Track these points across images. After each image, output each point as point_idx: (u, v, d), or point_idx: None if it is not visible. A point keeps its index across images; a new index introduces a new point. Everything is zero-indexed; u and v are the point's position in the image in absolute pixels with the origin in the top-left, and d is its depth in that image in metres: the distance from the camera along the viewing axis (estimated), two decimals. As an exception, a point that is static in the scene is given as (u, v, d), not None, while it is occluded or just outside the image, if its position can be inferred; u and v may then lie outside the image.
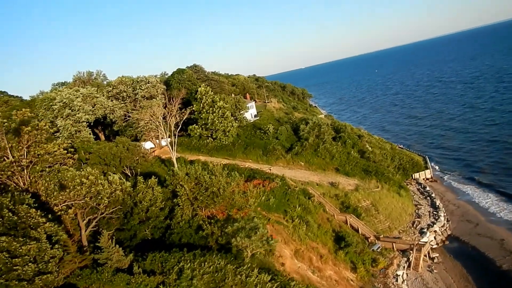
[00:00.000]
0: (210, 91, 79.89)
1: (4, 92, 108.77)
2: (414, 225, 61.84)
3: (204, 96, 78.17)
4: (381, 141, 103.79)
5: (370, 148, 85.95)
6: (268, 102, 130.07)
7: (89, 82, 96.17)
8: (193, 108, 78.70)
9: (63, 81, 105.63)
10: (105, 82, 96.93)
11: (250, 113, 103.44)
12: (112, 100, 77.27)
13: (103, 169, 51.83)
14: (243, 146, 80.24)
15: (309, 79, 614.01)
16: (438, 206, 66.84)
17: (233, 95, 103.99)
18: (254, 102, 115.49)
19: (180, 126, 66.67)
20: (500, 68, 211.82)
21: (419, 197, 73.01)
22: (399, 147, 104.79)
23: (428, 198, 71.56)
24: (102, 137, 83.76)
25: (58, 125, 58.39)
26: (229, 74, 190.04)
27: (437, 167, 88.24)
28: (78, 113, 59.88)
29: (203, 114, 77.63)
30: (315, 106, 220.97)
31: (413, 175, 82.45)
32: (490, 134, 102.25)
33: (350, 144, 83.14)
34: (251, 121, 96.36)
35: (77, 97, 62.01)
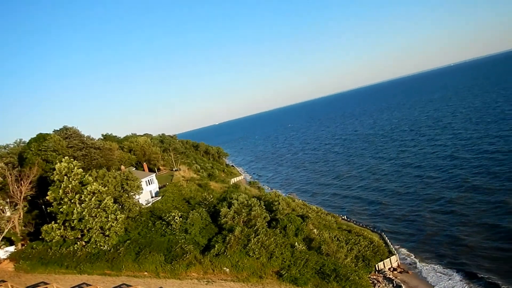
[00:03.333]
0: (76, 167, 50.72)
1: None
2: None
3: (65, 177, 48.95)
4: (322, 213, 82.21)
5: (316, 232, 62.76)
6: (176, 170, 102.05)
7: None
8: (48, 197, 49.19)
9: None
10: None
11: (150, 190, 74.64)
12: None
13: None
14: (134, 250, 50.98)
15: (223, 136, 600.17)
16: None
17: (122, 167, 74.89)
18: (155, 173, 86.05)
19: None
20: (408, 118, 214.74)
21: (398, 305, 50.75)
22: (342, 219, 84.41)
23: (412, 306, 49.67)
24: None
25: None
26: (129, 134, 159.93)
27: (399, 247, 68.33)
28: None
29: (64, 206, 47.87)
30: (233, 166, 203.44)
31: (376, 265, 60.59)
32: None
33: (292, 230, 58.74)
34: (149, 204, 67.61)
35: None
